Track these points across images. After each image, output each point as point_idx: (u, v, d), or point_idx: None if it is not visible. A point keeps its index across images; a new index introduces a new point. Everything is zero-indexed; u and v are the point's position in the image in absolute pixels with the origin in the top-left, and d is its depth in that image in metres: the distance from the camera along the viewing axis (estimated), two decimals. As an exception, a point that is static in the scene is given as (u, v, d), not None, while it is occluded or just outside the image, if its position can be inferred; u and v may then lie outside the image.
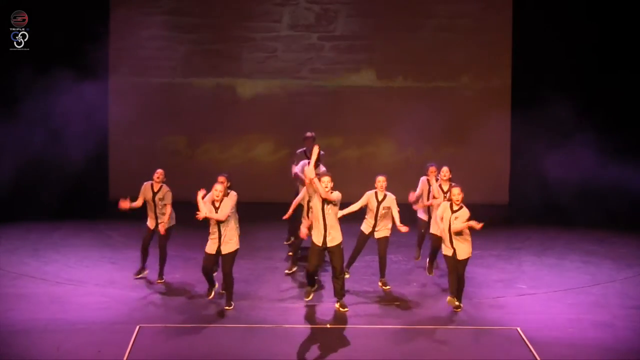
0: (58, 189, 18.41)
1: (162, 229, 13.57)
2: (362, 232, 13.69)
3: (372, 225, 13.51)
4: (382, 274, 13.65)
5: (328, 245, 12.22)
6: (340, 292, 12.35)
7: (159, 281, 13.62)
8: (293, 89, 19.80)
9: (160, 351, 10.88)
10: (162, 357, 10.75)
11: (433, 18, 19.63)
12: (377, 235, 13.53)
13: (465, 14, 19.60)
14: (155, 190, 13.93)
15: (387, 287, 13.53)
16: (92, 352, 10.72)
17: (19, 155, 18.07)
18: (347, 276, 13.35)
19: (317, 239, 12.26)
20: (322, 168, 14.80)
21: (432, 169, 14.49)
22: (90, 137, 18.69)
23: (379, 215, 13.38)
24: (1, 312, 12.00)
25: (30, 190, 18.08)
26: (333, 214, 12.19)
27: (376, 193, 13.47)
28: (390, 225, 13.48)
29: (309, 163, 14.67)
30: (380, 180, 13.47)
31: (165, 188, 13.88)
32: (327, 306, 12.47)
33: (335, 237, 12.23)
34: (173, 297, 12.95)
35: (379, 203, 13.42)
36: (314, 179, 12.12)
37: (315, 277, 12.91)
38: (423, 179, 14.49)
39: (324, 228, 12.17)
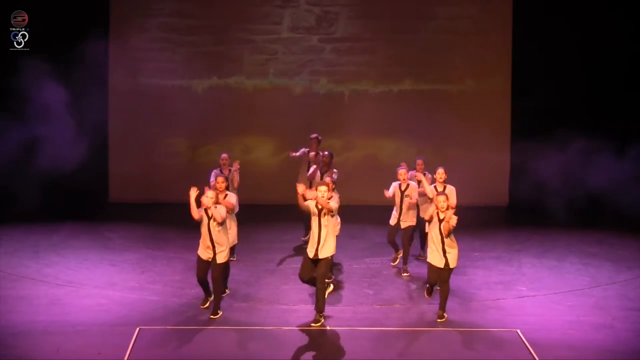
0: (58, 191, 18.41)
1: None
2: (390, 226, 14.30)
3: (397, 218, 14.14)
4: (404, 261, 14.32)
5: (319, 257, 11.85)
6: (318, 303, 11.93)
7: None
8: (293, 90, 19.80)
9: (160, 353, 10.88)
10: (162, 359, 10.75)
11: (433, 20, 19.64)
12: (402, 225, 14.11)
13: (465, 16, 19.60)
14: (226, 174, 14.29)
15: (406, 274, 14.18)
16: (92, 353, 10.72)
17: (18, 156, 18.07)
18: (407, 274, 14.19)
19: (310, 250, 11.92)
20: (334, 170, 14.87)
21: (419, 162, 14.72)
22: (90, 138, 18.68)
23: (403, 205, 14.00)
24: (1, 314, 11.99)
25: (30, 192, 18.06)
26: (330, 225, 11.85)
27: (400, 185, 14.07)
28: (415, 217, 14.13)
29: (321, 169, 14.79)
30: (402, 173, 14.04)
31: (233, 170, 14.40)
32: (327, 309, 12.43)
33: (326, 250, 11.88)
34: (173, 299, 12.95)
35: (402, 193, 13.98)
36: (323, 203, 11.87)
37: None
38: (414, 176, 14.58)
39: (317, 239, 11.84)
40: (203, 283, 12.31)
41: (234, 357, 10.87)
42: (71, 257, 15.04)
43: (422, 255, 14.98)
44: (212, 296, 12.30)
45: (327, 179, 13.53)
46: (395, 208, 14.26)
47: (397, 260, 14.52)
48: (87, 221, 17.64)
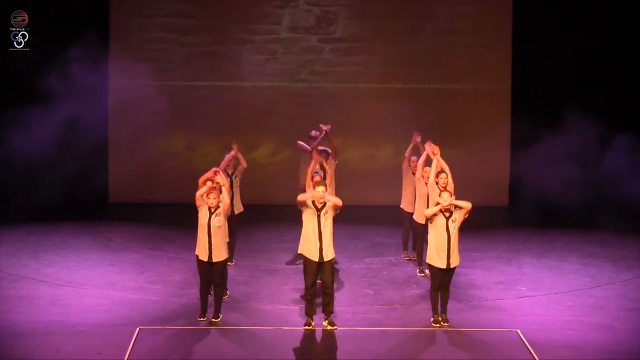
0: (58, 191, 18.40)
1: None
2: (418, 223, 14.02)
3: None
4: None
5: (324, 260, 11.63)
6: (327, 308, 11.84)
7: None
8: (293, 91, 19.79)
9: (160, 353, 10.88)
10: (162, 359, 10.75)
11: (433, 20, 19.63)
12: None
13: (465, 16, 19.60)
14: (230, 173, 14.19)
15: (422, 274, 14.08)
16: (92, 354, 10.72)
17: (18, 156, 18.07)
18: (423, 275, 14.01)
19: (312, 254, 11.67)
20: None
21: (413, 159, 14.71)
22: (90, 139, 18.68)
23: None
24: (1, 314, 11.99)
25: (30, 192, 18.08)
26: (330, 224, 11.66)
27: (425, 183, 13.82)
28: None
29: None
30: (427, 170, 13.71)
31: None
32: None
33: (329, 252, 11.68)
34: (173, 299, 12.94)
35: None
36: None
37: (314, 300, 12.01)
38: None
39: (319, 240, 11.62)
40: (206, 293, 12.04)
41: (233, 357, 10.87)
42: (71, 257, 15.04)
43: (407, 256, 15.07)
44: (207, 314, 12.03)
45: (317, 177, 13.28)
46: (421, 201, 13.97)
47: None
48: (87, 221, 17.63)
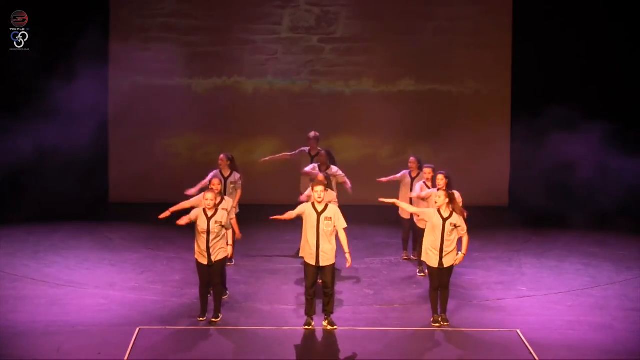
0: (58, 191, 18.41)
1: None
2: (417, 225, 14.05)
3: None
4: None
5: (321, 265, 11.60)
6: (327, 308, 11.81)
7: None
8: (293, 91, 19.80)
9: (160, 353, 10.88)
10: (162, 359, 10.75)
11: (433, 21, 19.64)
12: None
13: (465, 16, 19.60)
14: (226, 175, 14.24)
15: (422, 274, 13.99)
16: (92, 353, 10.73)
17: (18, 157, 18.07)
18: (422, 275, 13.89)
19: (309, 257, 11.64)
20: (334, 169, 14.75)
21: (412, 159, 14.69)
22: (90, 138, 18.68)
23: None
24: (2, 314, 12.00)
25: (30, 192, 18.08)
26: (332, 230, 11.60)
27: (425, 182, 13.90)
28: None
29: (319, 167, 14.69)
30: (427, 172, 13.83)
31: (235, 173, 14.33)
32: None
33: (329, 256, 11.61)
34: (173, 299, 12.95)
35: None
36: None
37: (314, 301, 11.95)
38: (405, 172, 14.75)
39: (316, 244, 11.57)
40: (205, 293, 12.05)
41: (233, 357, 10.88)
42: (71, 257, 15.05)
43: (407, 256, 15.06)
44: (206, 313, 12.03)
45: (321, 176, 13.21)
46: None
47: None
48: (87, 221, 17.64)
